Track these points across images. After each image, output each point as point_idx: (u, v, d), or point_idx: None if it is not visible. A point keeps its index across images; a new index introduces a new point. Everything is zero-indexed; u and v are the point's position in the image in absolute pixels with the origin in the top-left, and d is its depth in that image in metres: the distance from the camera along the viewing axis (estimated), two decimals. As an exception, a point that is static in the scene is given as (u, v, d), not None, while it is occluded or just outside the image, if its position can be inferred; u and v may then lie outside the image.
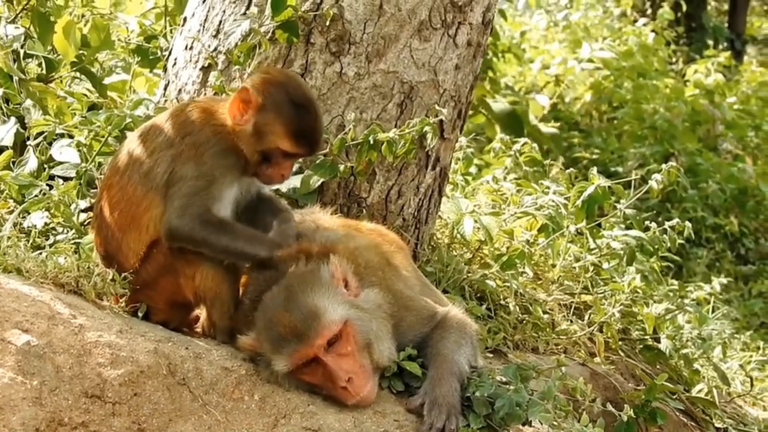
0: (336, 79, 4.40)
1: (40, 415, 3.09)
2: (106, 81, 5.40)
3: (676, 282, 7.38)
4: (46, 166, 4.52)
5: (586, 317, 4.93)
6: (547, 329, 4.72)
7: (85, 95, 5.23)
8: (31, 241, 4.00)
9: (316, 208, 4.09)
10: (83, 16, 5.53)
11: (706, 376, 5.27)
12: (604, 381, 4.57)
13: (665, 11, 15.17)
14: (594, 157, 11.41)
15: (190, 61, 4.65)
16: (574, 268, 5.20)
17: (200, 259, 3.59)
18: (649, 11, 16.62)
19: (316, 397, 3.46)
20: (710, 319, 5.91)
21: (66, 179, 4.41)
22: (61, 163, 4.48)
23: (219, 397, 3.39)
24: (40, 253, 3.78)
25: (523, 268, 4.96)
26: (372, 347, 3.50)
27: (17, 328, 3.21)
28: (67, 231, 4.16)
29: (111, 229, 3.66)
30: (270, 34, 4.38)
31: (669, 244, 5.13)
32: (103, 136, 4.45)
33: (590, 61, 12.27)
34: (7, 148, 4.65)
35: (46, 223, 4.16)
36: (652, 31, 14.46)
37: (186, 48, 4.69)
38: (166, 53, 4.99)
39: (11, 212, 4.20)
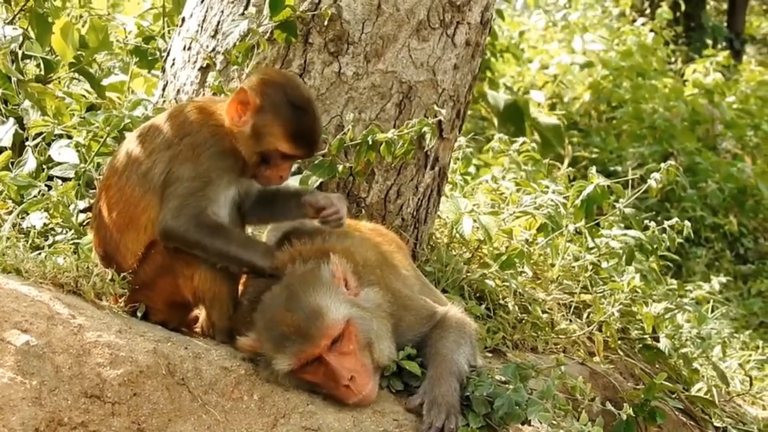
0: (334, 79, 4.41)
1: (40, 415, 3.09)
2: (105, 82, 5.41)
3: (675, 281, 7.40)
4: (44, 166, 4.52)
5: (585, 316, 4.94)
6: (546, 328, 4.72)
7: (84, 96, 5.23)
8: (30, 241, 4.00)
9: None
10: (81, 17, 5.54)
11: (705, 376, 5.27)
12: (604, 380, 4.57)
13: (664, 11, 15.18)
14: (593, 156, 11.41)
15: (189, 61, 4.65)
16: (573, 267, 5.20)
17: (199, 259, 3.59)
18: (648, 11, 16.63)
19: (315, 396, 3.46)
20: (709, 318, 5.91)
21: (65, 180, 4.41)
22: (59, 163, 4.49)
23: (218, 397, 3.39)
24: (39, 254, 3.78)
25: (522, 267, 4.96)
26: (373, 346, 3.50)
27: (16, 328, 3.21)
28: (66, 231, 4.16)
29: (109, 230, 3.66)
30: (268, 35, 4.38)
31: (668, 244, 5.13)
32: (101, 137, 4.46)
33: (583, 53, 12.27)
34: (5, 148, 4.65)
35: (45, 224, 4.16)
36: (651, 30, 14.47)
37: (184, 48, 4.69)
38: (165, 54, 5.00)
39: (10, 213, 4.20)
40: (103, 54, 5.62)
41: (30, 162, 4.51)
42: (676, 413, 4.66)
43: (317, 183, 4.30)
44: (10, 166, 4.53)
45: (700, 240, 10.51)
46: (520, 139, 6.80)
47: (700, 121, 12.57)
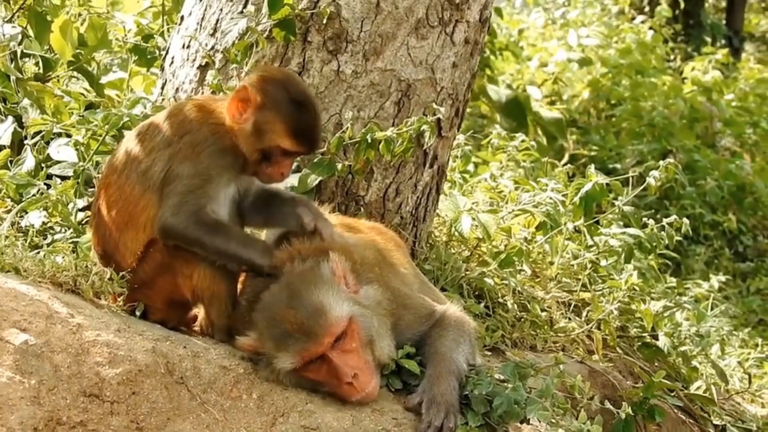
0: (333, 78, 4.40)
1: (39, 415, 3.08)
2: (104, 80, 5.41)
3: (674, 279, 7.40)
4: (43, 165, 4.52)
5: (584, 315, 4.94)
6: (545, 327, 4.73)
7: (83, 94, 5.23)
8: (28, 240, 4.00)
9: (314, 206, 4.09)
10: (80, 15, 5.54)
11: (704, 373, 5.28)
12: (603, 378, 4.57)
13: (663, 8, 15.17)
14: (592, 154, 11.40)
15: (188, 59, 4.65)
16: (572, 265, 5.21)
17: (198, 258, 3.59)
18: (647, 8, 16.63)
19: (314, 395, 3.46)
20: (708, 316, 5.93)
21: (64, 178, 4.41)
22: (58, 162, 4.48)
23: (217, 396, 3.39)
24: (38, 252, 3.78)
25: (521, 265, 4.97)
26: (374, 344, 3.50)
27: (15, 327, 3.21)
28: (65, 230, 4.16)
29: (108, 228, 3.66)
30: (267, 33, 4.37)
31: (667, 242, 5.12)
32: (100, 135, 4.45)
33: (580, 49, 12.26)
34: (4, 147, 4.64)
35: (43, 222, 4.16)
36: (650, 28, 14.46)
37: (183, 47, 4.69)
38: (163, 52, 4.99)
39: (9, 211, 4.20)
40: (102, 52, 5.62)
41: (29, 160, 4.51)
42: (675, 411, 4.66)
43: (316, 181, 4.30)
44: (9, 164, 4.53)
45: (699, 238, 10.51)
46: (520, 136, 6.79)
47: (699, 118, 12.57)
